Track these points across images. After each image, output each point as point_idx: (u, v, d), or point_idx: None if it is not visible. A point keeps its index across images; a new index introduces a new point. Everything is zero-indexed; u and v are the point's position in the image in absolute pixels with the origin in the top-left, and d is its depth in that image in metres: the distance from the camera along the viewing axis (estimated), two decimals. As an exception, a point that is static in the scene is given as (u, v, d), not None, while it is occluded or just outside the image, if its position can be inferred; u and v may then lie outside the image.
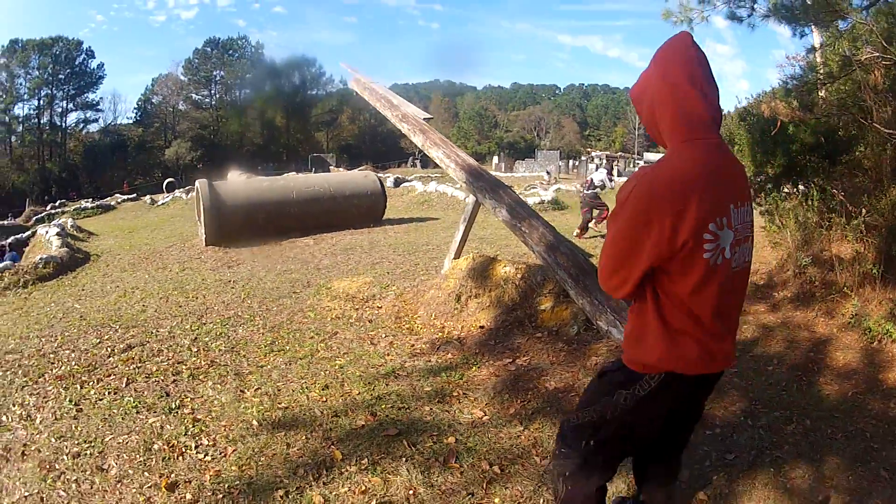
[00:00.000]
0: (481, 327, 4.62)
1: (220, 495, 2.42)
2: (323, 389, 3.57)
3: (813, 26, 6.00)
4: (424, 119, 5.92)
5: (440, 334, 4.62)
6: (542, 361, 3.94)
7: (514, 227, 4.67)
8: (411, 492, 2.51)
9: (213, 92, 53.24)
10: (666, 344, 1.68)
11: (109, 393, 3.29)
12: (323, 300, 5.50)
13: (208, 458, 2.70)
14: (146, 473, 2.56)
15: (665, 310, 1.67)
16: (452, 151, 5.44)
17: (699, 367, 1.70)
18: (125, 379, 3.47)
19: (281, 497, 2.43)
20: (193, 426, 2.98)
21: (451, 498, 2.49)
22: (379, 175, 12.04)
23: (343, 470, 2.65)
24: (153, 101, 53.08)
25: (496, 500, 2.53)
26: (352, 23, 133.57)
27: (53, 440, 2.77)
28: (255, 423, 3.06)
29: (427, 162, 42.49)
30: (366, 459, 2.73)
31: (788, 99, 5.60)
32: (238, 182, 9.38)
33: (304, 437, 2.92)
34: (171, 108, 52.79)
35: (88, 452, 2.68)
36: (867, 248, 5.27)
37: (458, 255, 5.55)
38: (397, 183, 16.09)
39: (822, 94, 6.12)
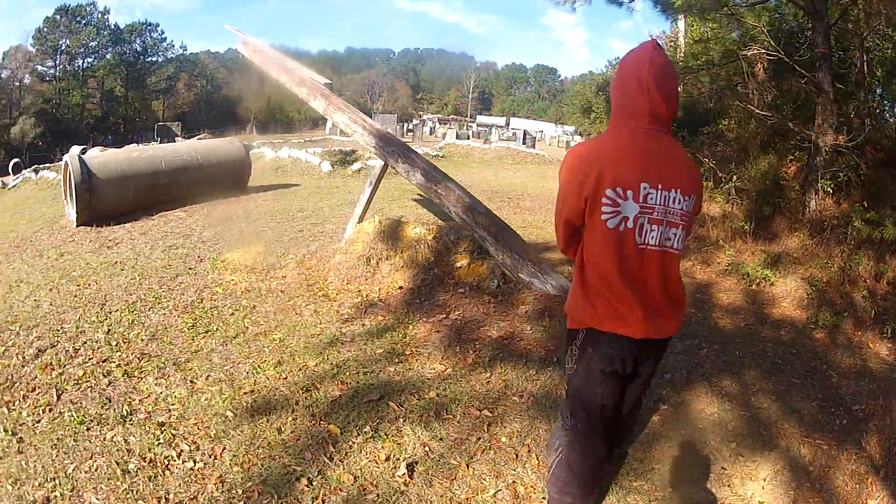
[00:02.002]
0: (400, 288, 4.53)
1: (241, 502, 2.11)
2: (277, 367, 3.24)
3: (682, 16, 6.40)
4: (324, 84, 5.48)
5: (360, 298, 4.42)
6: (475, 314, 4.01)
7: (430, 189, 4.60)
8: (426, 448, 2.47)
9: (57, 63, 44.28)
10: (583, 298, 1.86)
11: (44, 411, 2.59)
12: (224, 274, 4.90)
13: (200, 464, 2.31)
14: (140, 502, 2.09)
15: (585, 268, 1.85)
16: (359, 117, 5.12)
17: (612, 326, 1.80)
18: (54, 391, 2.75)
19: (306, 485, 2.19)
20: (162, 432, 2.50)
21: (463, 445, 2.51)
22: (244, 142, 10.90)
23: (349, 443, 2.47)
24: (2, 75, 42.87)
25: (503, 439, 2.61)
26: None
27: (9, 487, 2.10)
28: (229, 414, 2.67)
29: (266, 128, 39.08)
30: (367, 427, 2.59)
31: None
32: (107, 154, 7.94)
33: (290, 419, 2.64)
34: (17, 82, 43.00)
35: (58, 494, 2.10)
36: (736, 208, 5.85)
37: (362, 219, 5.34)
38: (245, 150, 14.83)
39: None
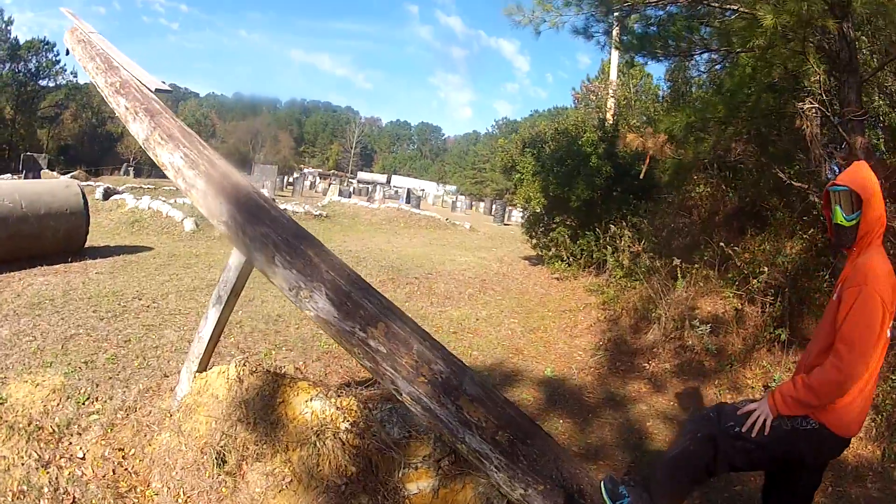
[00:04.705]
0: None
1: None
2: None
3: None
4: (155, 91, 2.91)
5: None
6: None
7: (351, 337, 2.12)
8: None
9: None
10: (850, 407, 1.86)
11: None
12: (-3, 438, 2.38)
13: None
14: None
15: (868, 380, 1.89)
16: (203, 155, 2.56)
17: (849, 431, 1.87)
18: None
19: None
20: None
21: None
22: (82, 184, 8.34)
23: None
24: None
25: None
26: (100, 13, 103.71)
27: None
28: None
29: (142, 170, 33.59)
30: None
31: (685, 138, 5.06)
32: None
33: None
34: None
35: None
36: (759, 307, 5.16)
37: (205, 366, 2.69)
38: (107, 194, 11.86)
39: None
